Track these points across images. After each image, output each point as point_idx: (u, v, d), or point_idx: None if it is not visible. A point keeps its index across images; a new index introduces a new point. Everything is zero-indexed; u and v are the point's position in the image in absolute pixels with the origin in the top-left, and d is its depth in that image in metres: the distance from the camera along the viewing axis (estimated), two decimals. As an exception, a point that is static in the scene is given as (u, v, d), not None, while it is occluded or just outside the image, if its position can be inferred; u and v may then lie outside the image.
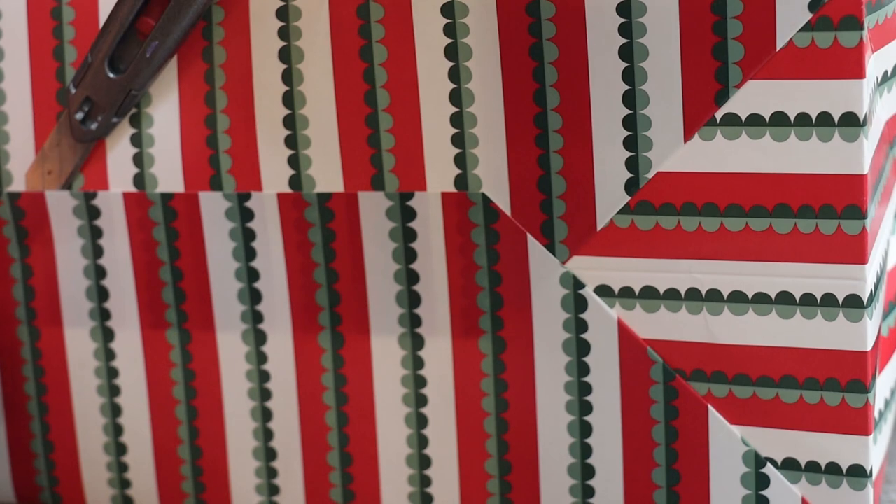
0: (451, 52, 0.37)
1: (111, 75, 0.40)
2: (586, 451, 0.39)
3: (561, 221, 0.38)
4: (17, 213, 0.42)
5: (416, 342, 0.40)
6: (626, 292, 0.38)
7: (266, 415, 0.42)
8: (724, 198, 0.36)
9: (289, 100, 0.39)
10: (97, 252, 0.42)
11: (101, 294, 0.42)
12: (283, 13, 0.39)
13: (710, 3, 0.35)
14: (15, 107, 0.42)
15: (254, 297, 0.41)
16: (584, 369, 0.39)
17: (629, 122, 0.37)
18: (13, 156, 0.42)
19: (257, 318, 0.41)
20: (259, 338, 0.41)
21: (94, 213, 0.41)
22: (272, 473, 0.42)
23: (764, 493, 0.38)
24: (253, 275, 0.41)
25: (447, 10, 0.37)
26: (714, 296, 0.37)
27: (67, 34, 0.41)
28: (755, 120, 0.36)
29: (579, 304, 0.38)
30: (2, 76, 0.42)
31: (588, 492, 0.39)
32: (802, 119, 0.35)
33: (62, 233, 0.42)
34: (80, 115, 0.40)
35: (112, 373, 0.43)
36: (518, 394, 0.39)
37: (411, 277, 0.39)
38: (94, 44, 0.40)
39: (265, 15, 0.39)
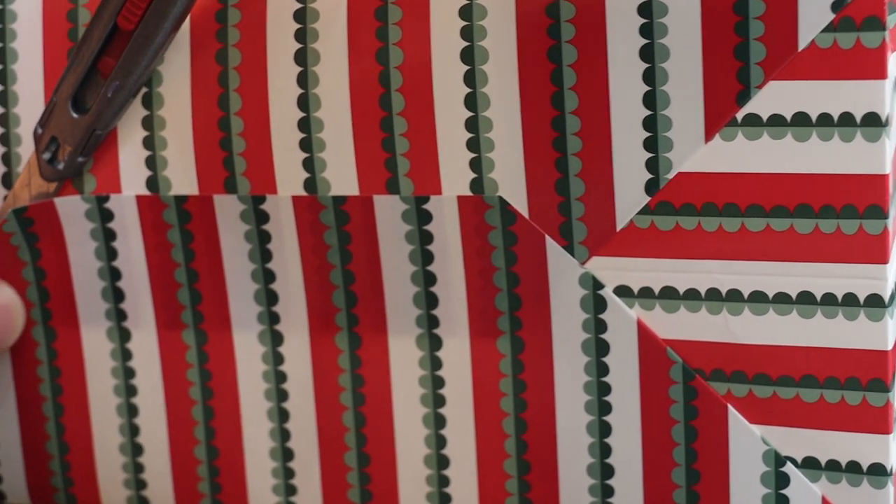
0: (468, 55, 0.37)
1: (75, 115, 0.40)
2: (605, 450, 0.39)
3: (580, 223, 0.38)
4: (23, 223, 0.42)
5: (434, 343, 0.40)
6: (646, 292, 0.38)
7: (283, 415, 0.42)
8: (744, 198, 0.36)
9: (304, 103, 0.39)
10: (111, 254, 0.42)
11: (117, 295, 0.42)
12: (300, 15, 0.38)
13: (732, 4, 0.35)
14: (27, 109, 0.41)
15: (270, 298, 0.41)
16: (603, 369, 0.39)
17: (649, 123, 0.36)
18: (24, 158, 0.42)
19: (274, 319, 0.41)
20: (276, 339, 0.41)
21: (106, 215, 0.41)
22: (289, 474, 0.42)
23: (784, 491, 0.38)
24: (269, 276, 0.41)
25: (465, 13, 0.37)
26: (734, 296, 0.37)
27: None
28: (777, 120, 0.35)
29: (598, 304, 0.38)
30: (15, 78, 0.41)
31: (607, 491, 0.39)
32: (824, 119, 0.35)
33: (75, 236, 0.42)
34: (47, 156, 0.40)
35: (129, 373, 0.43)
36: (537, 394, 0.39)
37: (428, 279, 0.39)
38: (58, 83, 0.40)
39: (282, 17, 0.39)
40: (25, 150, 0.42)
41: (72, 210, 0.41)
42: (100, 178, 0.41)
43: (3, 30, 0.41)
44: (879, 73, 0.34)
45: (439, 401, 0.40)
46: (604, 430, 0.39)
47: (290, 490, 0.42)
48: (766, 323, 0.37)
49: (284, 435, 0.42)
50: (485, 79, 0.37)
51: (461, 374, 0.40)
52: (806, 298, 0.36)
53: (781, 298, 0.37)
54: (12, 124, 0.42)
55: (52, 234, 0.42)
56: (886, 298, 0.36)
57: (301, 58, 0.39)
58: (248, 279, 0.41)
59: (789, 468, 0.38)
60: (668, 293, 0.38)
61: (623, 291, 0.38)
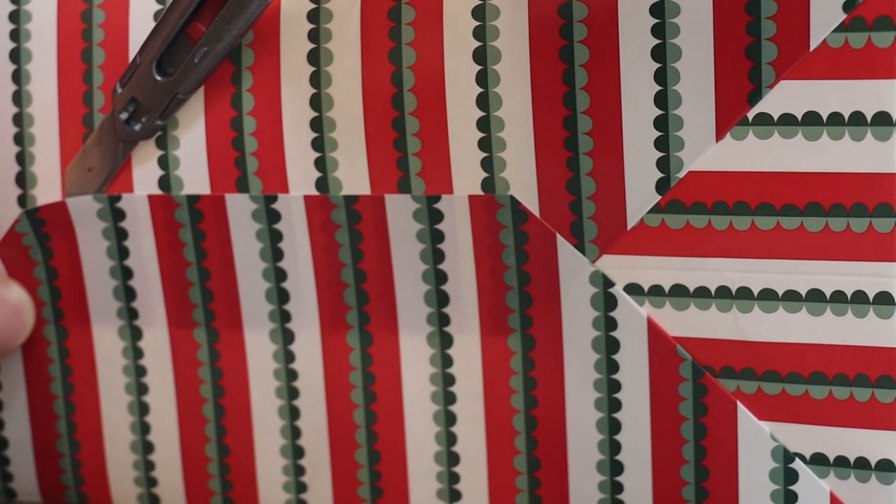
0: (480, 55, 0.37)
1: (158, 78, 0.40)
2: (615, 447, 0.39)
3: (591, 221, 0.38)
4: (35, 224, 0.42)
5: (445, 340, 0.40)
6: (656, 290, 0.38)
7: (294, 413, 0.42)
8: (755, 197, 0.36)
9: (316, 102, 0.39)
10: (123, 253, 0.42)
11: (129, 294, 0.42)
12: (313, 15, 0.38)
13: (744, 4, 0.35)
14: (41, 109, 0.41)
15: (281, 296, 0.41)
16: (613, 367, 0.39)
17: (661, 123, 0.37)
18: (38, 157, 0.42)
19: (285, 317, 0.41)
20: (287, 337, 0.41)
21: (118, 215, 0.41)
22: (300, 471, 0.42)
23: (792, 488, 0.38)
24: (280, 275, 0.41)
25: (478, 13, 0.37)
26: (744, 293, 0.37)
27: (97, 37, 0.41)
28: (788, 119, 0.36)
29: (609, 302, 0.38)
30: (29, 78, 0.42)
31: (617, 488, 0.40)
32: (835, 119, 0.35)
33: (86, 235, 0.42)
34: (124, 116, 0.40)
35: (140, 371, 0.43)
36: (547, 391, 0.40)
37: (439, 277, 0.40)
38: (143, 45, 0.40)
39: (296, 18, 0.39)
40: (39, 149, 0.42)
41: (83, 209, 0.41)
42: (112, 178, 0.41)
43: (17, 30, 0.42)
44: (890, 72, 0.35)
45: (450, 398, 0.40)
46: (613, 427, 0.39)
47: (301, 487, 0.42)
48: (776, 320, 0.37)
49: (295, 432, 0.42)
50: (497, 79, 0.37)
51: (472, 372, 0.40)
52: (815, 296, 0.37)
53: (791, 296, 0.37)
54: (26, 124, 0.42)
55: (63, 234, 0.42)
56: (895, 296, 0.36)
57: (314, 57, 0.39)
58: (260, 278, 0.41)
59: (798, 464, 0.38)
60: (679, 291, 0.38)
61: (633, 289, 0.38)
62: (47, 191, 0.42)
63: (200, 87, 0.40)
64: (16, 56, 0.42)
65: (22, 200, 0.42)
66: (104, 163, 0.41)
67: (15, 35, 0.42)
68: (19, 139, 0.42)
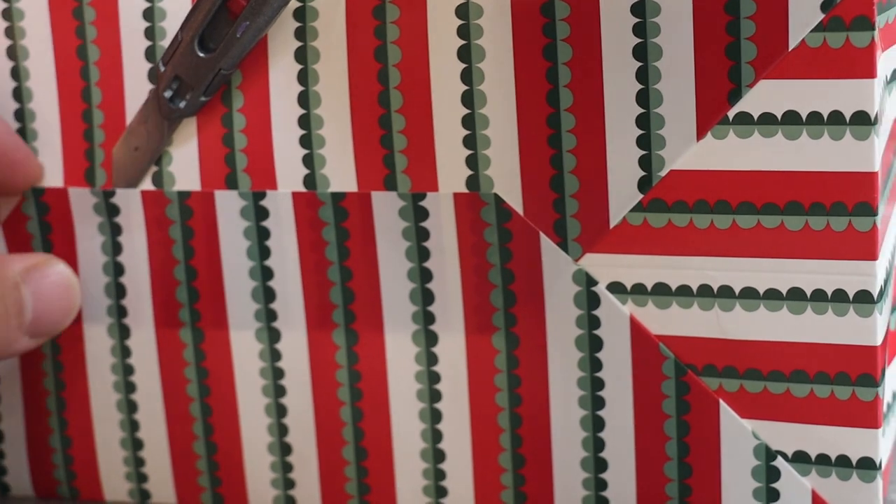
0: (464, 53, 0.38)
1: (201, 54, 0.39)
2: (599, 444, 0.39)
3: (574, 220, 0.38)
4: (41, 209, 0.42)
5: (430, 339, 0.40)
6: (639, 289, 0.38)
7: (281, 411, 0.42)
8: (736, 195, 0.37)
9: (304, 99, 0.39)
10: (116, 249, 0.42)
11: (119, 291, 0.42)
12: (300, 14, 0.39)
13: (723, 4, 0.35)
14: (41, 105, 0.42)
15: (268, 295, 0.41)
16: (596, 365, 0.39)
17: (642, 121, 0.37)
18: (41, 152, 0.42)
19: (271, 316, 0.41)
20: (273, 336, 0.41)
21: (113, 210, 0.42)
22: (287, 468, 0.42)
23: (774, 485, 0.38)
24: (267, 273, 0.41)
25: (462, 12, 0.38)
26: (726, 292, 0.37)
27: (90, 34, 0.41)
28: (767, 119, 0.36)
29: (592, 300, 0.39)
30: (28, 75, 0.42)
31: (601, 485, 0.40)
32: (814, 118, 0.36)
33: (84, 229, 0.42)
34: (168, 93, 0.40)
35: (128, 369, 0.43)
36: (531, 389, 0.40)
37: (425, 275, 0.40)
38: (184, 22, 0.40)
39: (283, 16, 0.39)
40: (42, 144, 0.42)
41: (82, 203, 0.42)
42: (108, 172, 0.42)
43: (11, 27, 0.42)
44: (869, 72, 0.35)
45: (435, 396, 0.41)
46: (597, 424, 0.39)
47: (289, 483, 0.42)
48: (757, 319, 0.37)
49: (282, 430, 0.42)
50: (481, 76, 0.38)
51: (457, 370, 0.40)
52: (796, 294, 0.37)
53: (772, 295, 0.37)
54: (28, 119, 0.42)
55: (63, 226, 0.42)
56: (875, 294, 0.36)
57: (301, 55, 0.39)
58: (246, 277, 0.41)
59: (780, 462, 0.38)
60: (661, 289, 0.38)
61: (616, 288, 0.38)
62: (51, 180, 0.42)
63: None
64: (13, 53, 0.42)
65: (24, 195, 0.43)
66: (150, 142, 0.40)
67: (10, 32, 0.42)
68: (22, 134, 0.42)
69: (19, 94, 0.42)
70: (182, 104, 0.40)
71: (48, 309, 0.41)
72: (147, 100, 0.41)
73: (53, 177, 0.42)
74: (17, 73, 0.42)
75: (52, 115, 0.42)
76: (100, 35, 0.41)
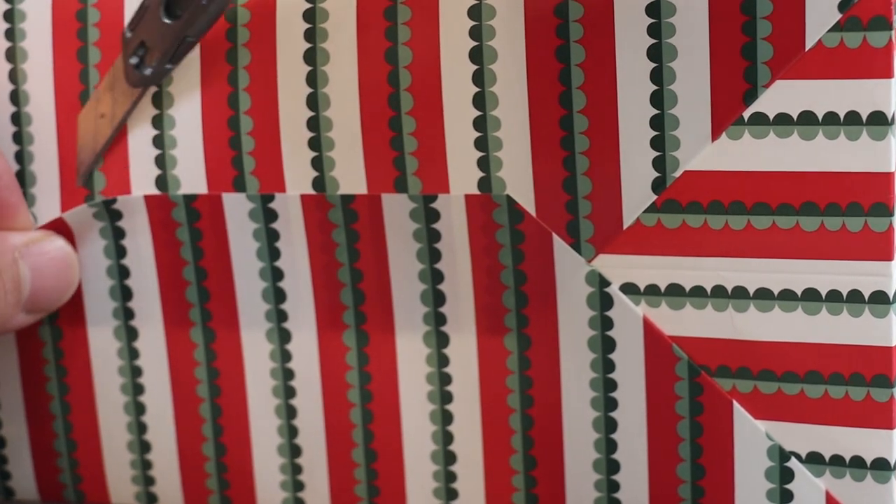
0: (476, 55, 0.37)
1: (167, 21, 0.39)
2: (611, 446, 0.39)
3: (587, 221, 0.38)
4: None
5: (441, 340, 0.40)
6: (652, 290, 0.38)
7: (290, 412, 0.42)
8: (750, 196, 0.36)
9: (313, 102, 0.39)
10: (120, 252, 0.42)
11: (125, 293, 0.42)
12: (309, 15, 0.39)
13: (739, 4, 0.35)
14: (38, 108, 0.42)
15: (278, 296, 0.41)
16: (609, 366, 0.39)
17: (657, 123, 0.37)
18: (36, 156, 0.42)
19: (282, 316, 0.41)
20: (283, 336, 0.41)
21: (115, 215, 0.41)
22: (297, 470, 0.42)
23: (788, 486, 0.38)
24: (277, 274, 0.41)
25: (474, 13, 0.37)
26: (740, 293, 0.37)
27: (92, 36, 0.41)
28: (783, 119, 0.36)
29: (605, 301, 0.38)
30: (25, 77, 0.42)
31: (613, 486, 0.40)
32: (830, 118, 0.35)
33: (84, 234, 0.42)
34: (134, 60, 0.40)
35: (136, 371, 0.43)
36: (543, 390, 0.40)
37: (436, 277, 0.40)
38: None
39: (292, 17, 0.39)
40: (37, 148, 0.42)
41: (81, 213, 0.41)
42: (109, 177, 0.41)
43: (12, 29, 0.42)
44: (886, 72, 0.35)
45: (446, 397, 0.41)
46: (610, 425, 0.39)
47: (298, 486, 0.42)
48: (772, 319, 0.37)
49: (292, 431, 0.42)
50: (493, 78, 0.38)
51: (468, 371, 0.40)
52: (811, 295, 0.37)
53: (786, 295, 0.37)
54: (24, 123, 0.42)
55: (62, 233, 0.42)
56: (891, 295, 0.36)
57: (310, 57, 0.39)
58: (257, 277, 0.41)
59: (793, 463, 0.38)
60: (674, 290, 0.38)
61: (629, 289, 0.38)
62: (47, 189, 0.42)
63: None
64: (11, 55, 0.42)
65: (21, 193, 0.42)
66: (116, 108, 0.40)
67: (10, 34, 0.42)
68: (18, 138, 0.42)
69: (16, 96, 0.42)
70: (148, 71, 0.40)
71: (46, 285, 0.41)
72: (112, 67, 0.40)
73: (51, 180, 0.42)
74: (14, 76, 0.42)
75: (49, 119, 0.41)
76: (102, 38, 0.41)
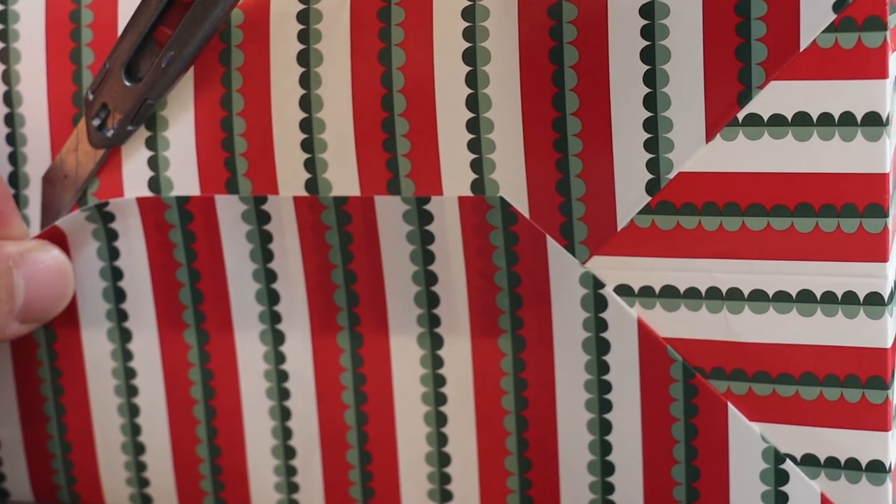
0: (470, 56, 0.37)
1: (127, 83, 0.39)
2: (606, 448, 0.39)
3: (581, 223, 0.38)
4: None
5: (436, 341, 0.40)
6: (646, 291, 0.38)
7: (285, 414, 0.42)
8: (745, 197, 0.36)
9: (306, 103, 0.39)
10: (113, 254, 0.42)
11: (119, 295, 0.42)
12: (303, 16, 0.38)
13: (733, 5, 0.35)
14: (31, 109, 0.41)
15: (272, 297, 0.41)
16: (603, 368, 0.39)
17: (650, 125, 0.36)
18: (30, 158, 0.42)
19: (275, 318, 0.41)
20: (277, 338, 0.41)
21: (108, 217, 0.41)
22: (291, 471, 0.42)
23: (783, 488, 0.38)
24: (270, 276, 0.41)
25: (467, 14, 0.37)
26: (734, 294, 0.37)
27: (85, 37, 0.41)
28: (777, 120, 0.36)
29: (599, 303, 0.38)
30: (18, 79, 0.41)
31: (608, 488, 0.39)
32: (825, 119, 0.35)
33: (76, 237, 0.42)
34: (96, 122, 0.40)
35: (129, 373, 0.43)
36: (538, 392, 0.39)
37: (430, 278, 0.39)
38: (112, 51, 0.39)
39: (285, 18, 0.39)
40: (31, 149, 0.42)
41: (73, 216, 0.41)
42: (102, 179, 0.41)
43: (5, 31, 0.41)
44: (880, 72, 0.35)
45: (440, 399, 0.40)
46: (604, 427, 0.39)
47: (293, 488, 0.42)
48: (766, 321, 0.37)
49: (286, 433, 0.42)
50: (486, 80, 0.37)
51: (462, 373, 0.40)
52: (806, 297, 0.37)
53: (781, 297, 0.37)
54: (17, 124, 0.42)
55: (54, 235, 0.42)
56: (886, 296, 0.36)
57: (304, 58, 0.39)
58: (250, 279, 0.41)
59: (788, 465, 0.38)
60: (669, 292, 0.38)
61: (624, 290, 0.38)
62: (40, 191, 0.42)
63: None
64: (4, 56, 0.42)
65: (14, 201, 0.42)
66: (80, 170, 0.41)
67: (3, 35, 0.42)
68: (11, 140, 0.42)
69: (9, 98, 0.42)
70: (109, 133, 0.40)
71: (40, 295, 0.41)
72: (76, 128, 0.41)
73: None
74: (7, 77, 0.42)
75: (42, 121, 0.41)
76: (96, 39, 0.41)
